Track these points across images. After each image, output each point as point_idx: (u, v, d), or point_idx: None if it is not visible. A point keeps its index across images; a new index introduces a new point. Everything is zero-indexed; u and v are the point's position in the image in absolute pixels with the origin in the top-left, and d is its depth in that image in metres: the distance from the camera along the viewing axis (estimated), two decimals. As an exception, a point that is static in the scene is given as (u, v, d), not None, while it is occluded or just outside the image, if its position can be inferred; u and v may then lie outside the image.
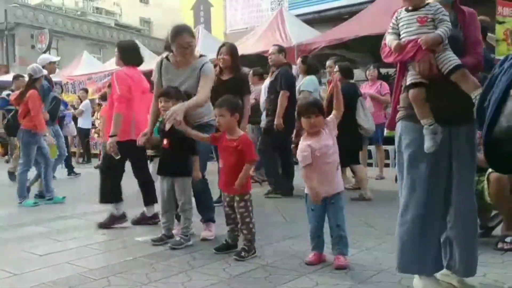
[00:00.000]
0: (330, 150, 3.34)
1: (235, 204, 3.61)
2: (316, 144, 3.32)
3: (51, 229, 4.82)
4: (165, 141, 3.98)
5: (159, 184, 4.12)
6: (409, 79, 2.60)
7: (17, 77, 8.23)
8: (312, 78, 6.69)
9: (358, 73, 8.62)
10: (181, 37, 3.96)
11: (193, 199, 4.16)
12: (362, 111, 6.07)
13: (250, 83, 7.57)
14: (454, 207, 2.66)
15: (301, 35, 10.52)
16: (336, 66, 6.36)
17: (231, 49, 5.63)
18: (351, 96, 5.85)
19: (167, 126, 3.78)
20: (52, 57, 7.62)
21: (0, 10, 28.27)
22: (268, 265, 3.39)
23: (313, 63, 7.11)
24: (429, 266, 2.70)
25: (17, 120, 6.43)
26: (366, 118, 6.11)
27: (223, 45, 5.80)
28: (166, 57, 4.20)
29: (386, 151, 8.98)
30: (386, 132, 7.45)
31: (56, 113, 7.31)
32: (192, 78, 4.06)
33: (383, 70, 13.02)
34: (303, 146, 3.35)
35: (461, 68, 2.47)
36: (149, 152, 5.62)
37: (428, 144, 2.54)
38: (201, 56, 4.21)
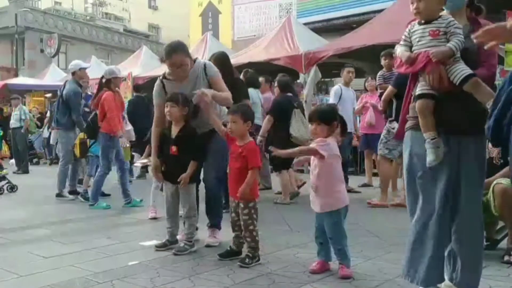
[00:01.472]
0: (315, 169, 3.36)
1: (240, 211, 3.62)
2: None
3: (56, 232, 4.83)
4: (173, 148, 3.98)
5: (164, 189, 4.13)
6: (419, 89, 2.60)
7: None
8: (251, 90, 6.75)
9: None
10: (174, 56, 3.91)
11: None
12: (295, 121, 6.39)
13: (259, 90, 7.62)
14: (460, 218, 2.65)
15: (309, 43, 10.55)
16: (276, 81, 6.96)
17: (217, 60, 5.36)
18: (287, 107, 6.48)
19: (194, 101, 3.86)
20: (83, 63, 7.52)
21: (10, 14, 28.50)
22: (272, 273, 3.39)
23: (253, 77, 7.38)
24: (431, 277, 2.69)
25: (97, 124, 6.37)
26: (298, 128, 6.32)
27: (211, 57, 5.65)
28: (164, 77, 4.14)
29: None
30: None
31: (87, 119, 7.14)
32: (198, 85, 4.00)
33: (390, 80, 13.07)
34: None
35: (473, 77, 2.46)
36: (147, 161, 5.65)
37: (430, 158, 2.54)
38: (194, 60, 4.13)
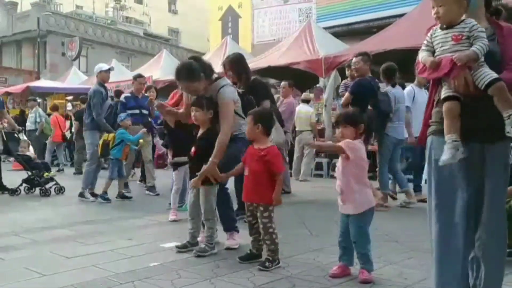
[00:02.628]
0: (339, 170, 3.38)
1: (259, 214, 3.63)
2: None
3: (79, 233, 4.90)
4: (193, 149, 4.04)
5: (189, 191, 4.19)
6: (444, 92, 2.58)
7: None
8: None
9: (383, 86, 8.57)
10: (180, 83, 4.05)
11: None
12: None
13: (280, 95, 7.64)
14: (484, 226, 2.62)
15: (329, 47, 10.54)
16: None
17: (231, 63, 5.37)
18: None
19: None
20: (105, 65, 7.62)
21: (33, 18, 29.05)
22: (292, 276, 3.39)
23: None
24: (453, 285, 2.66)
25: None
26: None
27: (225, 59, 5.62)
28: None
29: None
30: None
31: (109, 121, 7.33)
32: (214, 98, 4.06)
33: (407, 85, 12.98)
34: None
35: (499, 81, 2.43)
36: (172, 160, 5.70)
37: (445, 157, 2.50)
38: (217, 79, 4.15)
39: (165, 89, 11.45)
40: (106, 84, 7.57)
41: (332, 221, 3.49)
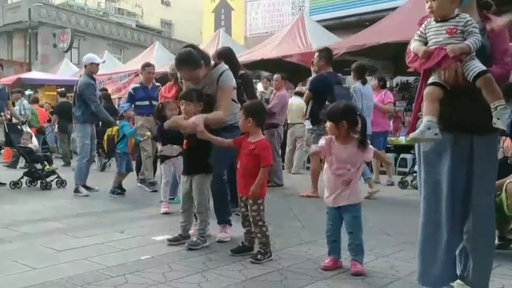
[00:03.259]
0: (341, 165, 3.35)
1: (248, 207, 3.63)
2: (336, 150, 3.34)
3: (69, 226, 4.87)
4: (185, 143, 4.02)
5: (181, 183, 4.19)
6: (431, 79, 2.60)
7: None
8: None
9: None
10: (180, 71, 4.03)
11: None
12: None
13: (273, 88, 7.63)
14: (472, 218, 2.64)
15: (322, 40, 10.53)
16: None
17: (220, 56, 5.21)
18: None
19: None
20: (97, 58, 7.40)
21: (24, 9, 28.75)
22: (284, 269, 3.39)
23: None
24: (440, 278, 2.69)
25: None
26: None
27: (214, 53, 5.56)
28: None
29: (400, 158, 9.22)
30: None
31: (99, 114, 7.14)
32: (212, 87, 4.07)
33: (403, 79, 13.02)
34: (326, 138, 3.42)
35: (487, 74, 2.45)
36: (161, 152, 5.67)
37: (414, 132, 2.54)
38: (216, 64, 4.16)
39: (158, 81, 11.38)
40: (96, 76, 7.48)
41: (324, 214, 3.48)
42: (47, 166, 7.75)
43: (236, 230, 4.15)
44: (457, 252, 2.71)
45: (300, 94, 10.35)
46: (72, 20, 31.22)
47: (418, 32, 2.68)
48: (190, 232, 4.14)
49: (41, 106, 13.96)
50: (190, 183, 4.02)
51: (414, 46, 2.66)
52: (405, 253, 3.77)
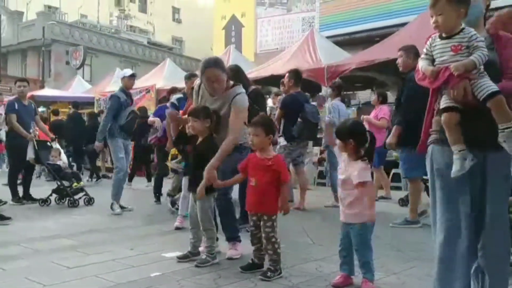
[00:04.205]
0: (347, 181, 3.35)
1: (262, 223, 3.62)
2: (344, 166, 3.35)
3: (81, 243, 4.89)
4: (188, 147, 4.11)
5: (190, 200, 4.19)
6: (443, 103, 2.57)
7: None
8: None
9: (388, 95, 8.64)
10: (209, 70, 4.00)
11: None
12: None
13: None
14: (486, 234, 2.61)
15: (332, 56, 10.55)
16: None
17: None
18: None
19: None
20: (128, 70, 7.35)
21: (38, 27, 29.24)
22: (294, 286, 3.37)
23: None
24: None
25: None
26: None
27: None
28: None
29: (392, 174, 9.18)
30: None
31: (131, 127, 7.06)
32: (225, 108, 4.09)
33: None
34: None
35: (498, 95, 2.42)
36: (173, 165, 5.65)
37: (455, 169, 2.50)
38: (234, 85, 4.19)
39: (168, 98, 11.47)
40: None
41: (335, 230, 3.46)
42: (75, 184, 7.70)
43: (246, 247, 4.13)
44: (472, 271, 2.67)
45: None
46: (84, 38, 31.68)
47: (424, 50, 2.67)
48: (200, 249, 4.13)
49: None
50: (195, 200, 4.03)
51: (422, 65, 2.64)
52: (416, 270, 3.72)
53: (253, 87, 5.76)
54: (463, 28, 2.52)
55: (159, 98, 12.95)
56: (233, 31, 20.05)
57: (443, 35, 2.57)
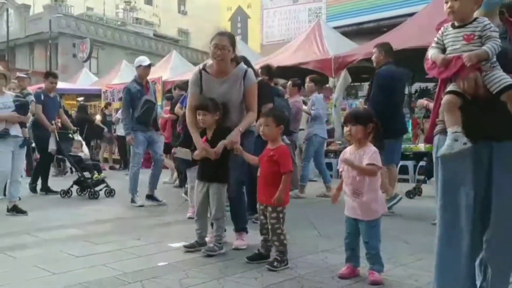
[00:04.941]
0: (348, 174, 3.33)
1: (268, 215, 3.61)
2: (348, 157, 3.35)
3: (88, 232, 4.93)
4: (203, 139, 4.04)
5: (196, 190, 4.16)
6: (449, 88, 2.53)
7: None
8: None
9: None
10: (219, 38, 3.96)
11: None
12: None
13: (287, 94, 7.64)
14: (492, 228, 2.58)
15: (339, 47, 10.50)
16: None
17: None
18: None
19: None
20: (145, 60, 7.08)
21: (45, 20, 29.32)
22: (301, 277, 3.37)
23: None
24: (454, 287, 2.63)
25: None
26: None
27: None
28: (204, 68, 4.18)
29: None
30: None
31: (148, 117, 6.77)
32: (235, 87, 4.06)
33: (422, 85, 12.90)
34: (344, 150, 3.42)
35: None
36: (174, 155, 5.63)
37: (443, 148, 2.45)
38: (238, 62, 4.18)
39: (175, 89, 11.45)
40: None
41: (341, 222, 3.45)
42: (96, 175, 7.68)
43: (253, 238, 4.14)
44: (476, 263, 2.66)
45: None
46: (91, 30, 31.75)
47: (436, 39, 2.61)
48: (206, 239, 4.14)
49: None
50: (206, 191, 4.03)
51: (432, 54, 2.58)
52: (424, 261, 3.71)
53: (259, 78, 5.73)
54: (476, 18, 2.48)
55: (165, 90, 13.01)
56: (239, 22, 20.00)
57: (456, 24, 2.52)
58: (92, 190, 7.45)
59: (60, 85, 19.49)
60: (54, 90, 8.07)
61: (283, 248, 3.59)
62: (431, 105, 7.23)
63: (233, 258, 3.85)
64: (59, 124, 7.76)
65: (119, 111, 12.58)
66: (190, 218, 5.49)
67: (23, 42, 32.21)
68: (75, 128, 8.26)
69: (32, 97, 7.18)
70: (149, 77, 7.32)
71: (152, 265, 3.65)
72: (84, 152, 8.11)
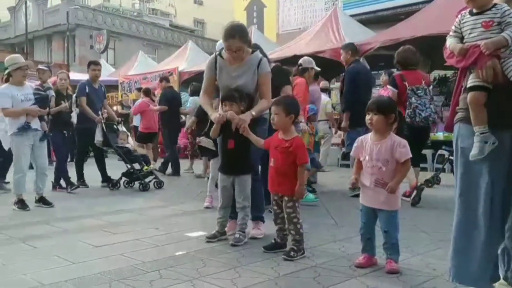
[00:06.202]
0: (372, 163, 3.28)
1: (284, 204, 3.61)
2: (369, 148, 3.29)
3: (107, 222, 4.99)
4: (232, 143, 4.00)
5: (220, 182, 4.16)
6: (470, 81, 2.48)
7: None
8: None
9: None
10: (231, 41, 3.93)
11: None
12: None
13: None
14: (513, 215, 2.55)
15: (356, 35, 10.36)
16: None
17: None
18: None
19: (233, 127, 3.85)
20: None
21: (62, 12, 29.56)
22: (317, 266, 3.37)
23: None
24: (478, 276, 2.60)
25: None
26: None
27: None
28: (219, 54, 4.19)
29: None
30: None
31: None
32: (248, 74, 4.06)
33: (440, 73, 12.70)
34: (359, 138, 3.39)
35: None
36: (199, 143, 5.64)
37: (474, 152, 2.43)
38: (253, 50, 4.17)
39: (190, 80, 11.49)
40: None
41: (358, 211, 3.43)
42: (146, 167, 7.57)
43: (269, 227, 4.14)
44: (499, 252, 2.62)
45: (325, 90, 10.25)
46: (107, 21, 31.91)
47: (453, 27, 2.57)
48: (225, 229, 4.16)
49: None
50: (231, 182, 4.04)
51: (450, 43, 2.54)
52: (442, 251, 3.68)
53: (273, 64, 5.70)
54: (495, 3, 2.42)
55: (181, 81, 13.05)
56: (255, 11, 19.86)
57: (474, 10, 2.47)
58: (143, 182, 7.32)
59: (78, 76, 19.86)
60: (98, 78, 8.00)
61: (299, 237, 3.59)
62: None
63: (250, 248, 3.87)
64: (105, 115, 7.62)
65: (137, 102, 12.71)
66: (207, 207, 5.54)
67: (41, 34, 32.52)
68: (120, 119, 8.20)
69: (52, 92, 7.13)
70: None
71: (169, 255, 3.69)
72: (130, 143, 7.97)
